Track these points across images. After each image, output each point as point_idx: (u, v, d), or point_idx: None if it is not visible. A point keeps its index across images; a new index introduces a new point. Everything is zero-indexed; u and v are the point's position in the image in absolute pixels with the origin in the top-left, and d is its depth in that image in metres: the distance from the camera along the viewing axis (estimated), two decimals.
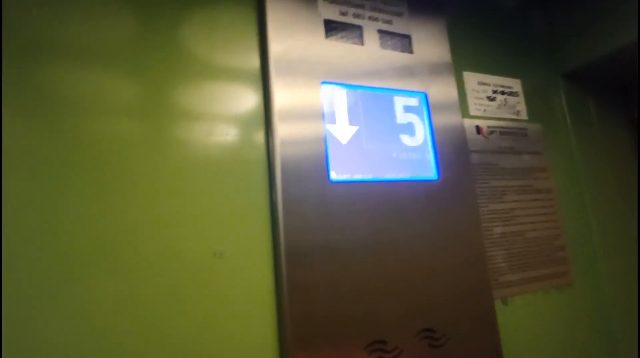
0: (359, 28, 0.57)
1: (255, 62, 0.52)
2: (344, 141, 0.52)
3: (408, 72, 0.59)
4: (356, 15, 0.58)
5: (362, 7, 0.58)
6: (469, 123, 0.66)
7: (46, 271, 0.37)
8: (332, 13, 0.56)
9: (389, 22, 0.60)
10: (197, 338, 0.41)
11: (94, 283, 0.38)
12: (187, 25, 0.50)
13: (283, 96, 0.50)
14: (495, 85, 0.71)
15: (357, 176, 0.51)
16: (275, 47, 0.51)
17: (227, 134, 0.48)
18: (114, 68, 0.44)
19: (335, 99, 0.53)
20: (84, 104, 0.42)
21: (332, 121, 0.52)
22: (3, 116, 0.39)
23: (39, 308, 0.36)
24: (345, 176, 0.50)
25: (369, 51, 0.57)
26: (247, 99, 0.51)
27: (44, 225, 0.38)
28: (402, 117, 0.57)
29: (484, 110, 0.68)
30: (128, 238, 0.41)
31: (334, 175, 0.49)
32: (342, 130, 0.52)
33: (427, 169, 0.56)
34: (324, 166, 0.49)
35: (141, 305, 0.40)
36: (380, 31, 0.59)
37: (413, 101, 0.59)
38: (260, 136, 0.50)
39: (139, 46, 0.47)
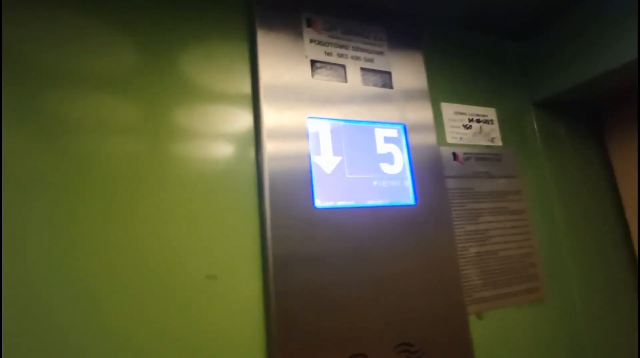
0: (342, 67, 0.63)
1: (247, 89, 0.58)
2: (328, 171, 0.57)
3: (388, 105, 0.65)
4: (340, 55, 0.64)
5: (345, 47, 0.65)
6: (446, 150, 0.71)
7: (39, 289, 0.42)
8: (318, 54, 0.62)
9: (370, 60, 0.66)
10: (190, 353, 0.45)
11: (87, 304, 0.43)
12: (186, 54, 0.55)
13: (271, 120, 0.55)
14: (471, 114, 0.77)
15: (340, 203, 0.56)
16: (265, 79, 0.57)
17: (219, 154, 0.53)
18: (116, 93, 0.50)
19: (320, 132, 0.59)
20: (85, 126, 0.47)
21: (317, 152, 0.57)
22: (6, 137, 0.43)
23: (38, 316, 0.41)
24: (329, 203, 0.55)
25: (352, 88, 0.63)
26: (239, 122, 0.56)
27: (34, 238, 0.43)
28: (382, 147, 0.62)
29: (461, 138, 0.74)
30: (121, 260, 0.45)
31: (318, 202, 0.55)
32: (326, 161, 0.57)
33: (406, 195, 0.62)
34: (309, 194, 0.54)
35: (135, 325, 0.44)
36: (362, 69, 0.65)
37: (393, 132, 0.64)
38: (250, 157, 0.55)
39: (140, 72, 0.52)
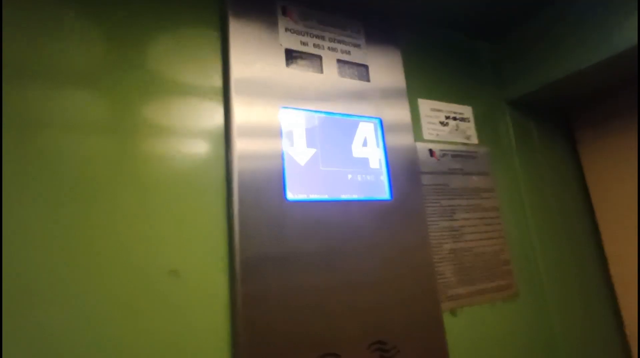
0: (318, 57, 0.62)
1: (217, 81, 0.55)
2: (302, 163, 0.55)
3: (365, 99, 0.64)
4: (316, 46, 0.62)
5: (322, 38, 0.63)
6: (422, 146, 0.71)
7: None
8: (293, 43, 0.60)
9: (347, 52, 0.65)
10: (151, 354, 0.42)
11: (49, 298, 0.39)
12: (154, 46, 0.53)
13: (242, 113, 0.53)
14: (448, 111, 0.77)
15: (313, 196, 0.54)
16: (237, 69, 0.55)
17: (188, 150, 0.50)
18: (81, 86, 0.47)
19: (294, 123, 0.57)
20: (51, 122, 0.44)
21: (291, 143, 0.55)
22: None
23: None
24: (301, 196, 0.53)
25: (328, 79, 0.61)
26: (209, 116, 0.54)
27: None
28: (358, 141, 0.61)
29: (437, 134, 0.74)
30: (88, 253, 0.42)
31: (290, 195, 0.53)
32: (300, 152, 0.55)
33: (381, 190, 0.60)
34: (281, 186, 0.52)
35: (96, 320, 0.41)
36: (339, 61, 0.63)
37: (369, 126, 0.63)
38: (220, 152, 0.53)
39: (106, 66, 0.49)
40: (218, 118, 0.54)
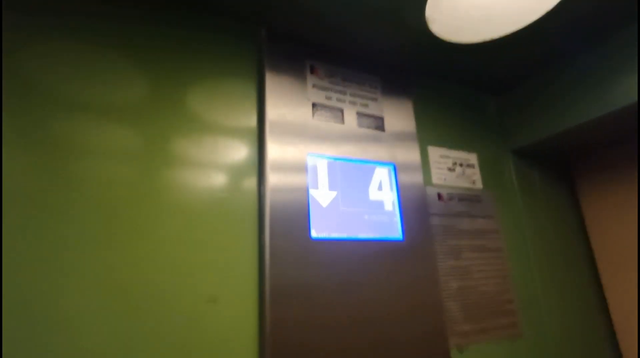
0: (340, 110, 0.70)
1: (252, 123, 0.63)
2: (324, 204, 0.62)
3: (380, 146, 0.71)
4: (339, 100, 0.71)
5: (343, 93, 0.72)
6: (431, 190, 0.77)
7: (40, 309, 0.44)
8: (319, 97, 0.68)
9: (365, 105, 0.73)
10: None
11: (89, 324, 0.45)
12: (196, 89, 0.61)
13: (275, 150, 0.61)
14: (455, 158, 0.84)
15: (334, 235, 0.60)
16: (271, 113, 0.63)
17: (224, 186, 0.57)
18: (125, 122, 0.54)
19: (318, 167, 0.64)
20: (95, 152, 0.51)
21: (315, 186, 0.62)
22: (14, 158, 0.46)
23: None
24: (323, 234, 0.60)
25: (349, 129, 0.69)
26: (244, 153, 0.61)
27: (40, 259, 0.45)
28: (374, 184, 0.68)
29: (445, 179, 0.81)
30: (126, 282, 0.48)
31: (314, 233, 0.59)
32: (323, 194, 0.62)
33: (394, 231, 0.66)
34: (306, 225, 0.59)
35: (136, 346, 0.46)
36: (358, 113, 0.72)
37: (384, 171, 0.70)
38: (252, 185, 0.59)
39: (149, 103, 0.56)
40: (251, 157, 0.61)
